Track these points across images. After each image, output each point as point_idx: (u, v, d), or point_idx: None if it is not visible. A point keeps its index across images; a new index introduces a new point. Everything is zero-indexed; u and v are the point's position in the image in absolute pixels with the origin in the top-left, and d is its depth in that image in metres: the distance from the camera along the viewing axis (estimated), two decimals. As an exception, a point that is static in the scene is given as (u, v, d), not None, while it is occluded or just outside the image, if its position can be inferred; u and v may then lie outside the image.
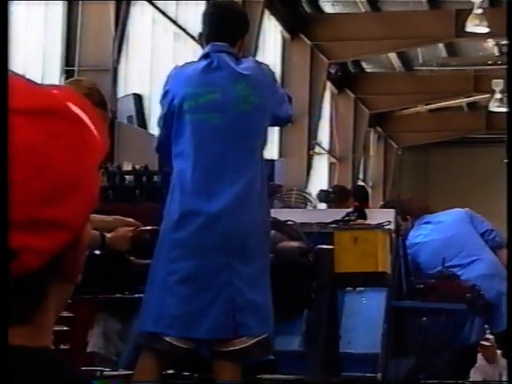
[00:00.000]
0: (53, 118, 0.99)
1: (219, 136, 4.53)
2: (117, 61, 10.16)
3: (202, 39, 4.84)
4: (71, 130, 1.00)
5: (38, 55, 9.35)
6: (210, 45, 4.65)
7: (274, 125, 5.07)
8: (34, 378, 0.97)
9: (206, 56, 4.66)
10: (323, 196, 9.04)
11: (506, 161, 18.16)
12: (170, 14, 12.07)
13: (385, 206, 8.35)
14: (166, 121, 4.63)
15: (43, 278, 0.99)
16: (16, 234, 0.95)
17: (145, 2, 11.29)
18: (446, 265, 7.33)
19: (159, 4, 11.77)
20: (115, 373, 4.83)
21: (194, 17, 12.64)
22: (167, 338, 4.44)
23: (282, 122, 5.16)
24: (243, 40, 4.83)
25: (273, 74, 4.94)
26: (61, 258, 0.99)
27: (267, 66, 4.98)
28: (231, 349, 4.44)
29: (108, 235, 4.57)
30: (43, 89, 1.04)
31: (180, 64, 4.91)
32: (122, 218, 4.74)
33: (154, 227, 4.73)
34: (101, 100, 4.55)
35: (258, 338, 4.48)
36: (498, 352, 12.97)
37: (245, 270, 4.47)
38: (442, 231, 7.62)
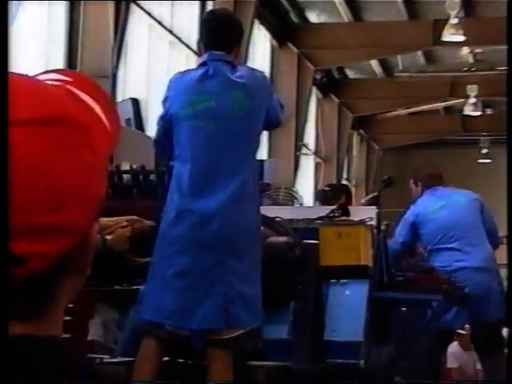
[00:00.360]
0: (54, 126, 0.95)
1: (214, 141, 4.53)
2: (116, 67, 10.14)
3: (199, 46, 4.84)
4: (73, 135, 0.97)
5: (41, 61, 9.33)
6: (207, 53, 4.65)
7: (265, 129, 5.07)
8: (38, 366, 0.95)
9: (203, 64, 4.65)
10: (321, 195, 9.16)
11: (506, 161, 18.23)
12: (165, 24, 12.05)
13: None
14: (164, 121, 4.64)
15: (53, 276, 0.96)
16: (22, 243, 0.92)
17: (142, 11, 11.28)
18: (448, 246, 7.16)
19: (155, 14, 11.76)
20: (114, 360, 4.83)
21: (188, 26, 12.64)
22: (166, 327, 4.47)
23: (273, 126, 5.14)
24: (239, 47, 4.84)
25: (267, 81, 4.95)
26: (70, 257, 0.97)
27: (262, 73, 4.98)
28: (223, 337, 4.46)
29: (108, 237, 4.59)
30: (46, 91, 0.99)
31: (179, 70, 4.94)
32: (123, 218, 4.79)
33: (151, 222, 4.76)
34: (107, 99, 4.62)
35: (247, 329, 4.50)
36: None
37: (237, 266, 4.48)
38: (452, 213, 7.43)
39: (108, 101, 1.06)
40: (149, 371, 4.46)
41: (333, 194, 8.93)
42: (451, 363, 13.49)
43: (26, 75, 1.02)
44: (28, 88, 0.98)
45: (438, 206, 7.47)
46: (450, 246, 7.13)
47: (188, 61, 12.00)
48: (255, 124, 4.63)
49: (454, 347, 13.82)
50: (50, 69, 1.09)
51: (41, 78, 1.05)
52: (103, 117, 1.03)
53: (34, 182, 0.92)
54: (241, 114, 4.55)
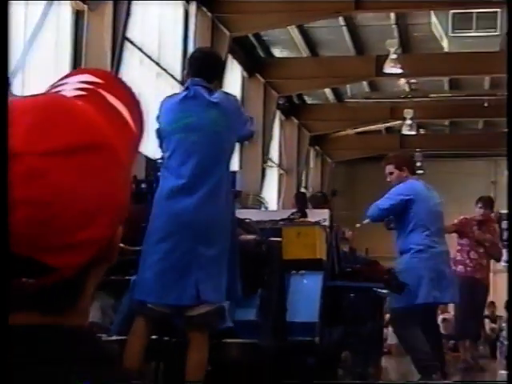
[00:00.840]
0: (83, 154, 0.89)
1: (196, 150, 4.59)
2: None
3: (186, 77, 4.90)
4: (103, 159, 0.91)
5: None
6: (190, 80, 4.71)
7: (238, 141, 5.15)
8: (64, 354, 0.92)
9: (186, 88, 4.73)
10: (315, 199, 9.27)
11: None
12: (153, 57, 12.02)
13: None
14: (158, 134, 4.73)
15: (83, 274, 0.93)
16: (56, 256, 0.88)
17: (134, 47, 11.26)
18: (428, 231, 6.80)
19: (146, 49, 11.73)
20: (110, 338, 4.80)
21: (172, 60, 12.62)
22: (149, 305, 4.48)
23: (245, 138, 5.24)
24: (219, 78, 4.92)
25: (237, 102, 5.02)
26: (98, 256, 0.93)
27: (234, 96, 5.02)
28: (195, 313, 4.45)
29: None
30: (78, 115, 0.92)
31: (167, 95, 4.99)
32: None
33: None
34: None
35: (214, 307, 4.50)
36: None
37: (207, 252, 4.49)
38: (435, 202, 7.16)
39: (135, 102, 1.00)
40: (139, 346, 4.45)
41: (322, 198, 9.11)
42: (390, 340, 13.53)
43: (62, 96, 0.96)
44: (67, 113, 0.92)
45: (430, 193, 7.20)
46: (429, 231, 6.81)
47: (172, 88, 11.97)
48: (229, 137, 4.71)
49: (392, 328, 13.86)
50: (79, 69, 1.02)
51: (74, 78, 1.00)
52: (130, 120, 0.97)
53: (61, 209, 0.88)
54: (216, 128, 4.61)
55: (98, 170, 0.90)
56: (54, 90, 1.00)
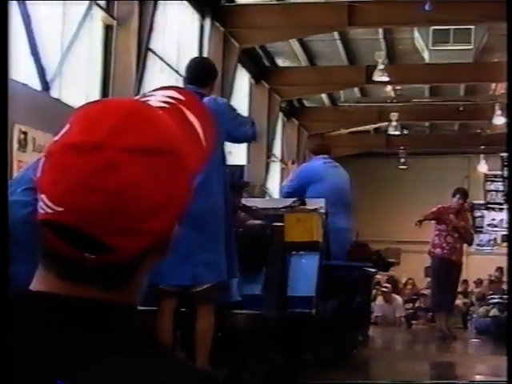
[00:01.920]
0: (156, 156, 0.89)
1: None
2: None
3: (184, 83, 4.81)
4: (172, 164, 0.91)
5: (82, 93, 9.27)
6: (185, 86, 4.64)
7: (233, 141, 4.95)
8: (115, 327, 0.91)
9: None
10: None
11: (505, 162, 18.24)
12: (173, 66, 12.00)
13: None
14: None
15: (137, 260, 0.92)
16: (116, 238, 0.89)
17: (156, 57, 11.23)
18: (331, 209, 6.37)
19: (166, 59, 11.71)
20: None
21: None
22: (160, 286, 4.48)
23: (242, 139, 5.00)
24: (213, 84, 4.79)
25: (227, 106, 4.83)
26: (154, 247, 0.93)
27: (224, 101, 4.91)
28: (197, 290, 4.48)
29: None
30: (156, 123, 0.92)
31: None
32: None
33: None
34: None
35: (212, 283, 4.48)
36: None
37: (201, 238, 4.42)
38: (338, 181, 6.97)
39: (210, 122, 1.00)
40: (168, 322, 4.45)
41: None
42: (377, 313, 13.53)
43: (146, 104, 0.96)
44: (146, 120, 0.92)
45: (331, 172, 6.99)
46: (332, 209, 6.46)
47: (189, 93, 11.94)
48: (218, 138, 4.57)
49: (379, 300, 13.85)
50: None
51: (162, 92, 1.00)
52: (202, 136, 0.98)
53: (127, 201, 0.88)
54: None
55: (165, 173, 0.90)
56: (142, 99, 1.01)
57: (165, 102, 0.98)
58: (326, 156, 7.07)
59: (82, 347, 0.88)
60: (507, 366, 2.43)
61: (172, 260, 4.39)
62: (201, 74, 4.69)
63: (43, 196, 0.90)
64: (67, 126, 0.92)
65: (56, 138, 0.93)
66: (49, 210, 0.90)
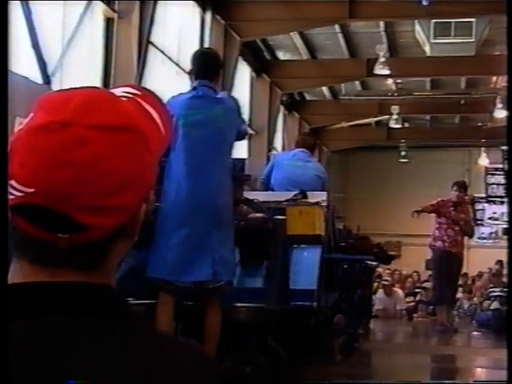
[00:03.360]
0: (121, 133, 0.93)
1: (202, 143, 4.52)
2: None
3: (191, 74, 4.80)
4: (136, 141, 0.94)
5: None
6: (197, 81, 4.62)
7: (236, 139, 5.02)
8: (92, 307, 0.92)
9: (194, 88, 4.63)
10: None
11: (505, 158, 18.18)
12: (173, 59, 11.98)
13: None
14: None
15: (108, 240, 0.94)
16: (88, 215, 0.90)
17: (157, 50, 11.21)
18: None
19: (167, 52, 11.69)
20: (136, 302, 4.79)
21: (189, 62, 12.55)
22: (171, 282, 4.45)
23: (241, 137, 5.09)
24: (219, 75, 4.82)
25: (238, 103, 4.90)
26: (123, 227, 0.95)
27: (235, 98, 4.96)
28: (211, 287, 4.48)
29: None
30: (120, 105, 0.97)
31: (175, 94, 4.88)
32: None
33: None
34: None
35: (225, 281, 4.52)
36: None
37: (219, 235, 4.45)
38: (301, 171, 6.78)
39: (166, 113, 1.03)
40: (168, 316, 4.45)
41: None
42: (378, 306, 13.53)
43: (106, 90, 1.01)
44: (109, 101, 0.96)
45: (294, 162, 6.90)
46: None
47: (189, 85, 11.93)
48: (231, 133, 4.63)
49: (380, 294, 13.85)
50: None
51: (119, 89, 1.03)
52: (161, 125, 1.01)
53: (99, 174, 0.90)
54: (220, 124, 4.55)
55: (131, 149, 0.93)
56: None
57: (123, 96, 1.01)
58: (303, 150, 7.04)
59: (66, 332, 0.89)
60: (507, 365, 2.43)
61: (189, 257, 4.40)
62: (212, 68, 4.72)
63: (12, 181, 0.91)
64: (31, 115, 0.95)
65: (20, 127, 0.95)
66: (19, 194, 0.90)
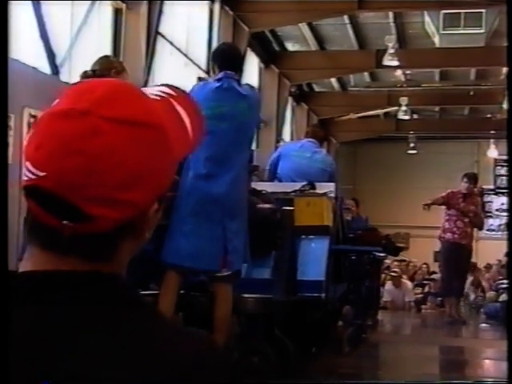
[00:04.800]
0: (139, 128, 0.92)
1: (224, 136, 4.50)
2: (146, 81, 10.08)
3: (214, 66, 4.79)
4: (154, 138, 0.93)
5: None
6: (223, 72, 4.61)
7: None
8: (97, 294, 0.92)
9: (219, 79, 4.62)
10: None
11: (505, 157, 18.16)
12: (182, 50, 11.96)
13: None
14: None
15: (116, 234, 0.93)
16: (95, 206, 0.90)
17: (165, 41, 11.19)
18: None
19: (175, 43, 11.67)
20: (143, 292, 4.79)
21: (198, 52, 12.55)
22: (182, 267, 4.47)
23: (257, 128, 5.16)
24: (241, 69, 4.90)
25: (259, 96, 4.95)
26: (131, 223, 0.94)
27: (257, 91, 5.00)
28: (220, 275, 4.48)
29: None
30: (146, 102, 0.96)
31: (201, 82, 4.92)
32: None
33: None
34: (124, 69, 4.82)
35: (235, 270, 4.53)
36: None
37: (232, 226, 4.48)
38: (307, 163, 6.73)
39: (197, 116, 1.02)
40: (172, 299, 4.45)
41: None
42: (386, 297, 13.52)
43: (136, 86, 1.00)
44: (133, 96, 0.96)
45: (301, 153, 6.86)
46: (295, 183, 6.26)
47: (197, 76, 11.91)
48: (252, 126, 4.70)
49: (388, 285, 13.84)
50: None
51: (155, 88, 1.03)
52: (190, 128, 1.00)
53: (110, 166, 0.90)
54: (244, 118, 4.56)
55: (147, 145, 0.92)
56: None
57: (156, 95, 1.01)
58: (312, 140, 7.02)
59: (73, 319, 0.88)
60: (507, 366, 2.42)
61: (202, 245, 4.42)
62: (237, 61, 4.81)
63: (27, 163, 0.91)
64: (56, 101, 0.95)
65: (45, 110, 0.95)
66: (32, 176, 0.91)
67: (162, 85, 1.05)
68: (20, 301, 0.89)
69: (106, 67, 4.73)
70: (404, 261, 14.91)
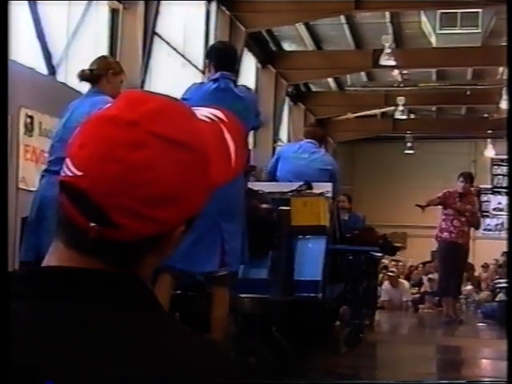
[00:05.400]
0: (182, 149, 0.93)
1: None
2: (143, 81, 10.08)
3: (209, 65, 4.77)
4: (194, 162, 0.94)
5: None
6: (219, 72, 4.61)
7: (251, 129, 5.09)
8: (117, 295, 0.93)
9: (216, 80, 4.61)
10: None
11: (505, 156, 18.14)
12: (179, 50, 11.97)
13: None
14: None
15: (139, 247, 0.94)
16: (123, 216, 0.91)
17: (162, 42, 11.19)
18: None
19: (172, 43, 11.68)
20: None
21: (195, 53, 12.55)
22: (178, 269, 4.45)
23: (255, 128, 5.13)
24: (236, 69, 4.88)
25: (256, 97, 4.93)
26: (157, 240, 0.95)
27: (253, 92, 4.98)
28: (216, 275, 4.48)
29: None
30: (193, 124, 0.97)
31: (194, 82, 4.89)
32: None
33: None
34: (121, 69, 4.78)
35: (231, 271, 4.53)
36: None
37: (229, 227, 4.47)
38: (306, 164, 6.71)
39: (243, 146, 1.04)
40: (166, 299, 4.44)
41: None
42: (384, 297, 13.53)
43: (188, 107, 1.00)
44: (181, 116, 0.97)
45: (299, 154, 6.84)
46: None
47: (195, 77, 11.91)
48: (248, 128, 4.65)
49: (385, 285, 13.85)
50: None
51: (208, 109, 1.04)
52: (233, 156, 1.01)
53: (145, 180, 0.91)
54: (239, 120, 4.53)
55: (185, 167, 0.93)
56: None
57: (207, 117, 1.02)
58: (311, 141, 7.01)
59: (89, 316, 0.90)
60: (507, 366, 2.42)
61: (199, 247, 4.40)
62: (233, 61, 4.80)
63: (68, 160, 0.94)
64: (109, 104, 0.97)
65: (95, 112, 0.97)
66: (69, 173, 0.93)
67: (216, 108, 1.06)
68: (40, 295, 0.91)
69: (104, 67, 4.72)
70: (400, 261, 14.91)
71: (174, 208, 0.93)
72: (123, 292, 0.93)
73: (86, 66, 4.91)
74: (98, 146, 0.91)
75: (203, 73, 11.29)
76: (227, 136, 1.01)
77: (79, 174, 0.91)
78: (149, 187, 0.90)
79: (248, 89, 4.89)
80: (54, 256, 0.95)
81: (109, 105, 0.96)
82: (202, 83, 4.82)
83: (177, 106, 0.98)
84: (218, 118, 1.03)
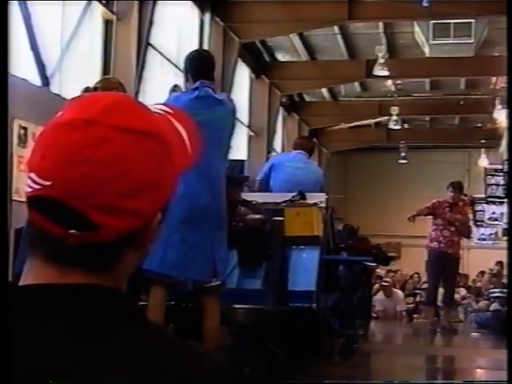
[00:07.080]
0: (144, 138, 0.94)
1: (205, 145, 4.48)
2: (137, 92, 10.09)
3: (187, 74, 4.76)
4: (159, 149, 0.95)
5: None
6: (199, 81, 4.61)
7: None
8: (101, 308, 0.93)
9: (195, 89, 4.62)
10: None
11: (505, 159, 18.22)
12: (172, 61, 11.99)
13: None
14: None
15: (120, 245, 0.94)
16: (101, 215, 0.91)
17: (156, 52, 11.21)
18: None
19: (166, 54, 11.70)
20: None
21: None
22: (171, 277, 4.44)
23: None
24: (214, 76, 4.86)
25: (235, 106, 4.91)
26: (134, 234, 0.95)
27: (234, 101, 4.96)
28: (209, 285, 4.48)
29: None
30: (150, 115, 0.98)
31: (176, 92, 4.89)
32: None
33: None
34: (124, 90, 4.91)
35: (222, 280, 4.54)
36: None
37: (219, 235, 4.48)
38: (302, 174, 6.78)
39: (194, 133, 1.05)
40: (161, 310, 4.43)
41: None
42: (378, 306, 13.53)
43: (139, 101, 1.02)
44: (137, 108, 0.98)
45: (295, 164, 6.90)
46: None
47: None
48: (230, 134, 4.66)
49: (379, 295, 13.85)
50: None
51: (155, 106, 1.05)
52: (188, 144, 1.02)
53: (115, 174, 0.91)
54: (221, 125, 4.55)
55: (151, 155, 0.94)
56: None
57: (155, 112, 1.02)
58: (302, 152, 7.05)
59: (73, 333, 0.89)
60: (507, 366, 2.42)
61: (192, 254, 4.40)
62: (212, 69, 4.76)
63: (31, 174, 0.92)
64: (60, 112, 0.96)
65: (48, 123, 0.97)
66: (36, 186, 0.92)
67: (160, 104, 1.07)
68: (24, 315, 0.90)
69: (107, 86, 4.85)
70: (393, 271, 14.93)
71: (148, 197, 0.93)
72: (106, 303, 0.93)
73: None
74: (61, 151, 0.90)
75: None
76: (177, 125, 1.02)
77: (47, 183, 0.90)
78: (121, 180, 0.90)
79: (229, 97, 4.92)
80: (31, 275, 0.93)
81: (59, 113, 0.96)
82: (180, 93, 4.80)
83: (129, 99, 0.99)
84: (165, 111, 1.04)
